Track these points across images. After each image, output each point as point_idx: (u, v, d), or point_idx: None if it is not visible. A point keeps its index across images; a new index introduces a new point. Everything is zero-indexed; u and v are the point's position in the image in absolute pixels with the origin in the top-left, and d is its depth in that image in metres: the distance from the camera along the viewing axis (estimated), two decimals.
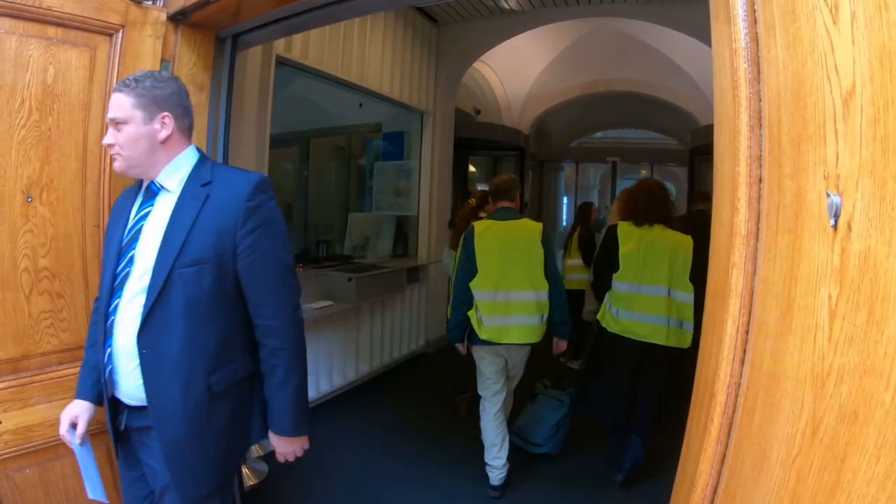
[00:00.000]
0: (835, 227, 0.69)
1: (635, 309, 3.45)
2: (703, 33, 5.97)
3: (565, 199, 12.70)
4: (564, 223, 12.28)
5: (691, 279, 3.39)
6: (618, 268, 3.54)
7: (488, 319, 3.39)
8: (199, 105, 2.60)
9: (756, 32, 1.05)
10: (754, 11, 1.04)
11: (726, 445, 1.17)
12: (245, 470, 3.45)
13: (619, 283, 3.54)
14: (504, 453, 3.59)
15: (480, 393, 3.72)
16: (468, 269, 3.47)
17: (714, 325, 1.28)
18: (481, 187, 7.99)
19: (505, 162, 9.96)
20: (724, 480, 1.14)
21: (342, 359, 5.27)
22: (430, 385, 5.88)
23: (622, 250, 3.53)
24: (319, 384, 4.95)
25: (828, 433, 0.68)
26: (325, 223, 6.48)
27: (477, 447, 4.00)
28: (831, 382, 0.69)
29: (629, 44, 8.19)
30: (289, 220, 5.89)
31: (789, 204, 0.87)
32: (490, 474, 3.60)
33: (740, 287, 1.12)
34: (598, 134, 12.83)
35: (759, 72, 1.05)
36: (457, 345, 3.66)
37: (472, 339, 3.52)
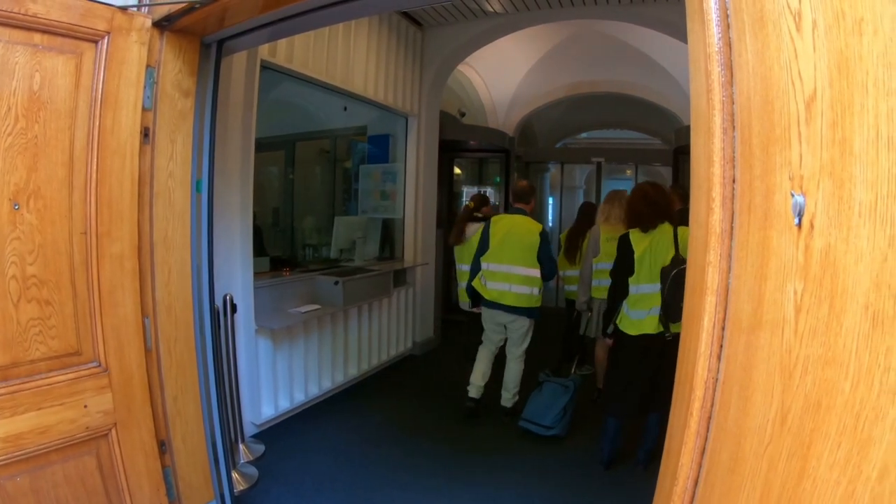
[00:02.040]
0: (799, 225, 0.73)
1: (652, 306, 3.64)
2: (684, 34, 6.02)
3: (551, 200, 12.77)
4: (551, 223, 12.34)
5: None
6: (633, 272, 3.71)
7: (491, 284, 4.74)
8: (184, 110, 2.62)
9: (729, 37, 1.08)
10: (727, 17, 1.08)
11: (706, 438, 1.20)
12: (235, 474, 3.45)
13: (637, 285, 3.71)
14: (480, 385, 4.97)
15: (482, 343, 5.07)
16: (482, 247, 4.82)
17: (692, 321, 1.31)
18: (481, 191, 8.29)
19: (490, 164, 9.97)
20: (704, 472, 1.17)
21: (330, 362, 5.28)
22: (419, 387, 5.89)
23: (637, 255, 3.71)
24: (308, 387, 4.96)
25: (795, 422, 0.71)
26: (312, 227, 6.47)
27: (466, 448, 4.22)
28: (797, 373, 0.72)
29: (613, 45, 8.24)
30: (275, 225, 5.91)
31: (759, 204, 0.90)
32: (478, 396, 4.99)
33: (716, 284, 1.16)
34: (583, 135, 12.92)
35: (731, 76, 1.09)
36: (473, 307, 5.11)
37: (481, 303, 4.90)
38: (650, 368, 3.73)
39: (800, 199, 0.72)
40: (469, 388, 5.01)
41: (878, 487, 0.55)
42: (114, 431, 2.33)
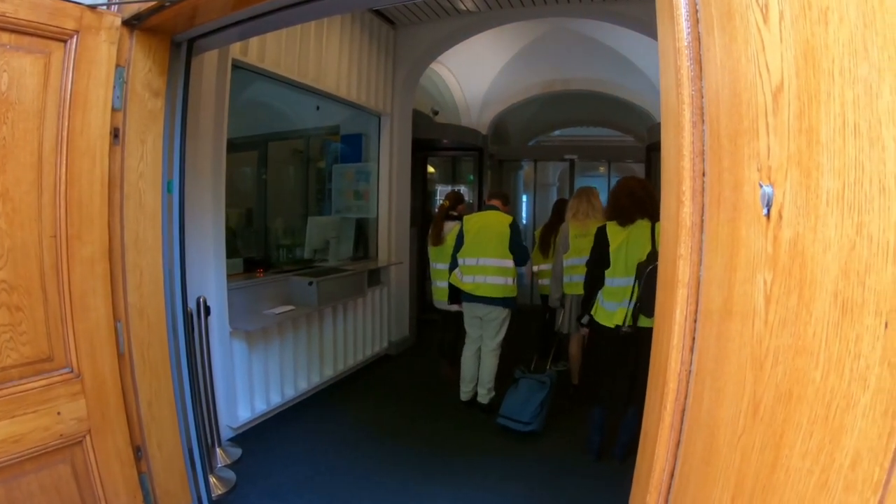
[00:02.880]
0: (767, 216, 0.73)
1: (624, 298, 3.72)
2: (655, 31, 6.08)
3: (524, 198, 12.80)
4: (525, 221, 12.37)
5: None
6: (609, 265, 3.78)
7: (467, 277, 4.91)
8: (154, 110, 2.57)
9: (698, 32, 1.09)
10: (696, 12, 1.08)
11: (680, 431, 1.21)
12: (212, 479, 3.41)
13: (612, 278, 3.78)
14: (470, 386, 5.17)
15: (467, 337, 5.21)
16: (458, 244, 5.01)
17: (664, 314, 1.32)
18: (454, 189, 8.42)
19: (463, 162, 9.96)
20: (680, 464, 1.18)
21: (306, 363, 5.24)
22: (395, 386, 5.88)
23: (612, 248, 3.78)
24: (284, 389, 4.91)
25: (767, 413, 0.72)
26: (285, 227, 6.41)
27: (444, 448, 4.23)
28: (768, 364, 0.72)
29: (585, 43, 8.28)
30: (248, 226, 5.84)
31: (728, 196, 0.90)
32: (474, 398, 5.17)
33: (687, 277, 1.17)
34: (556, 132, 12.97)
35: (700, 70, 1.09)
36: (453, 305, 5.32)
37: (461, 298, 5.06)
38: (627, 359, 3.81)
39: (768, 189, 0.72)
40: (461, 393, 5.24)
41: (851, 475, 0.55)
42: (88, 438, 2.28)
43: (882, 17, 0.51)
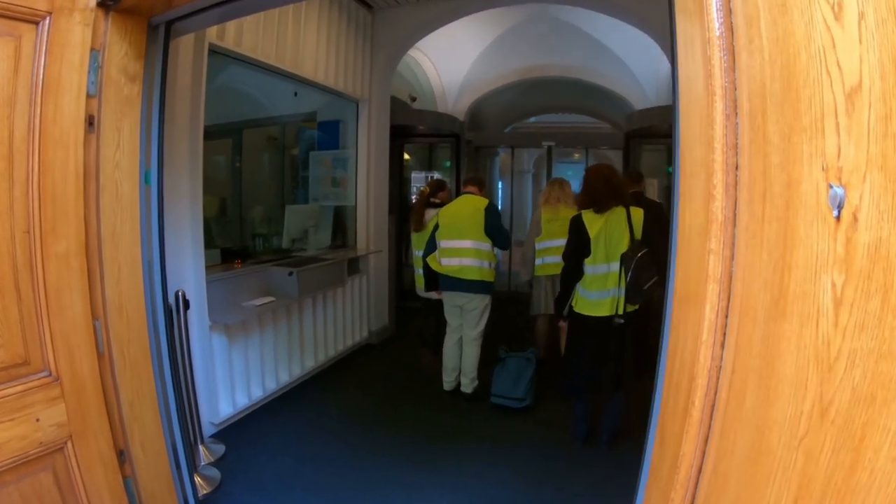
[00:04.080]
0: (838, 217, 0.72)
1: (610, 287, 3.76)
2: (637, 19, 6.13)
3: (500, 184, 12.80)
4: (501, 207, 12.38)
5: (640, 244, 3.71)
6: (588, 253, 3.79)
7: (445, 260, 4.95)
8: (131, 97, 2.45)
9: (731, 23, 1.07)
10: (730, 2, 1.07)
11: (709, 427, 1.21)
12: (197, 478, 3.36)
13: (593, 266, 3.79)
14: (453, 376, 5.19)
15: (447, 326, 5.24)
16: (436, 229, 5.03)
17: (688, 309, 1.31)
18: (431, 176, 8.68)
19: (440, 149, 9.92)
20: (711, 461, 1.17)
21: (287, 355, 5.20)
22: (377, 376, 5.87)
23: (591, 236, 3.78)
24: (266, 382, 4.87)
25: (840, 415, 0.71)
26: (262, 216, 6.32)
27: (429, 436, 4.27)
28: (840, 366, 0.71)
29: (564, 30, 8.30)
30: (225, 216, 5.74)
31: (779, 193, 0.89)
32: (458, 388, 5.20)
33: (719, 272, 1.16)
34: (533, 119, 12.97)
35: (734, 61, 1.08)
36: (431, 293, 5.37)
37: (440, 285, 5.09)
38: (611, 348, 3.89)
39: (839, 190, 0.71)
40: (444, 383, 5.27)
41: None
42: (69, 444, 2.17)
43: None
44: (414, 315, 7.39)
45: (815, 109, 0.76)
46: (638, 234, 3.72)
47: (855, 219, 0.69)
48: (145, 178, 2.64)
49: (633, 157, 8.35)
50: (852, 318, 0.70)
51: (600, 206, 3.79)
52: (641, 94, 8.89)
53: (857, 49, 0.67)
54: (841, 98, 0.70)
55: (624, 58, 8.50)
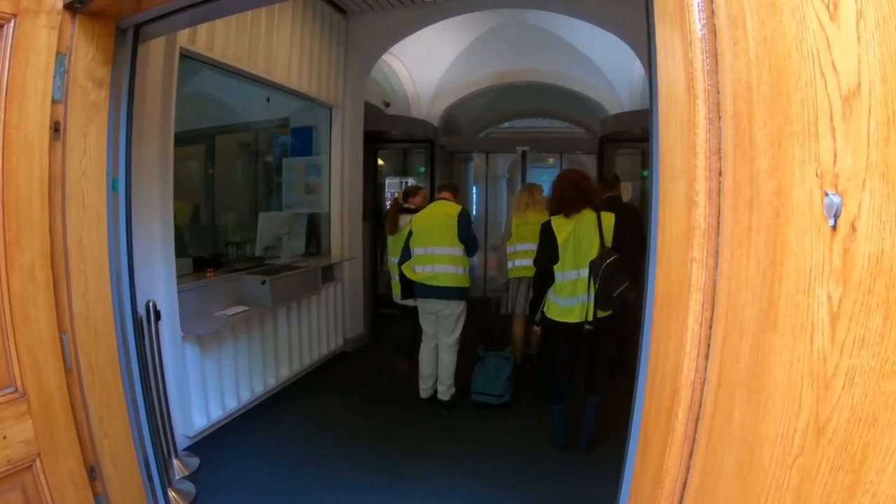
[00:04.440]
0: (834, 227, 0.68)
1: (579, 293, 3.75)
2: (611, 24, 6.15)
3: (474, 189, 12.80)
4: (475, 213, 12.38)
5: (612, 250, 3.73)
6: (558, 259, 3.79)
7: (419, 267, 4.92)
8: (98, 102, 2.39)
9: (714, 24, 1.04)
10: (712, 3, 1.04)
11: (693, 441, 1.17)
12: (171, 493, 3.27)
13: (562, 272, 3.79)
14: (429, 383, 5.15)
15: (423, 333, 5.22)
16: (410, 236, 5.00)
17: (671, 319, 1.28)
18: (405, 182, 8.89)
19: (415, 154, 9.88)
20: (697, 476, 1.14)
21: (261, 364, 5.11)
22: (353, 384, 5.81)
23: (560, 241, 3.78)
24: (240, 393, 4.78)
25: (839, 435, 0.67)
26: (235, 224, 6.23)
27: (407, 444, 4.24)
28: (838, 384, 0.68)
29: (539, 35, 8.33)
30: (196, 223, 5.64)
31: (767, 200, 0.86)
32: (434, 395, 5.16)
33: (702, 282, 1.13)
34: (507, 124, 13.00)
35: (717, 64, 1.05)
36: (408, 300, 5.28)
37: (415, 292, 5.05)
38: (584, 353, 3.88)
39: (836, 198, 0.67)
40: (420, 390, 5.24)
41: None
42: (38, 462, 2.09)
43: None
44: (389, 322, 7.36)
45: (808, 113, 0.72)
46: (608, 240, 3.72)
47: (853, 228, 0.65)
48: (113, 186, 2.56)
49: (607, 162, 8.40)
50: (851, 334, 0.66)
51: (568, 210, 3.81)
52: (615, 98, 8.96)
53: (856, 49, 0.64)
54: (837, 101, 0.67)
55: (598, 62, 8.55)
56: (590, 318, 3.69)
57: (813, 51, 0.71)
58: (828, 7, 0.68)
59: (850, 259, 0.66)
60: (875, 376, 0.62)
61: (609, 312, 3.76)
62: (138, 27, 2.61)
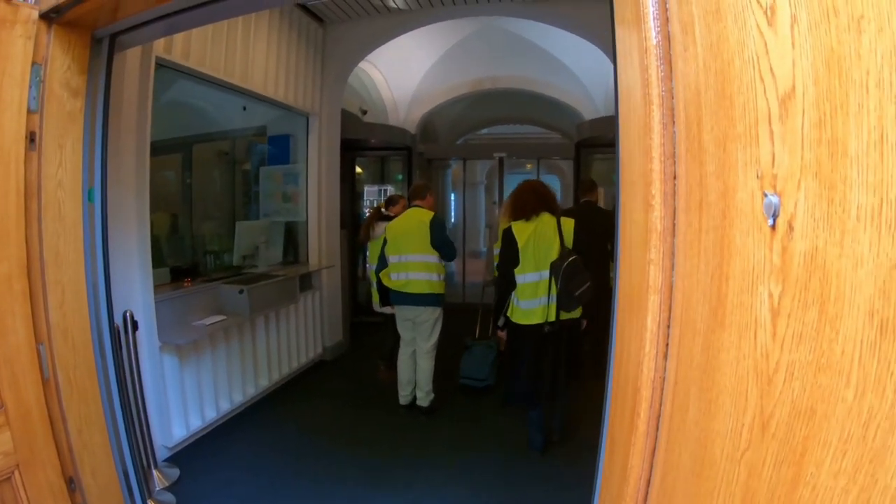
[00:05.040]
0: (773, 226, 0.70)
1: (540, 295, 3.83)
2: (587, 31, 6.21)
3: (452, 196, 12.84)
4: (453, 219, 12.41)
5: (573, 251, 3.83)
6: (518, 263, 3.85)
7: (394, 275, 4.95)
8: (73, 112, 2.39)
9: (668, 31, 1.06)
10: (666, 10, 1.06)
11: (655, 439, 1.19)
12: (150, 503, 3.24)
13: (522, 275, 3.86)
14: (408, 390, 5.17)
15: (401, 340, 5.24)
16: (387, 246, 5.02)
17: (632, 319, 1.30)
18: (383, 190, 9.04)
19: (392, 162, 9.90)
20: (659, 473, 1.16)
21: (240, 374, 5.07)
22: (333, 392, 5.77)
23: (520, 244, 3.86)
24: (219, 403, 4.74)
25: (781, 428, 0.69)
26: (212, 233, 6.18)
27: (387, 453, 4.23)
28: (779, 379, 0.70)
29: (515, 42, 8.38)
30: (174, 233, 5.59)
31: (714, 202, 0.88)
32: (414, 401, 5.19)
33: (659, 283, 1.15)
34: (485, 131, 13.06)
35: (671, 70, 1.07)
36: (385, 307, 5.35)
37: (391, 299, 5.09)
38: (550, 355, 3.98)
39: (774, 199, 0.69)
40: (400, 397, 5.25)
41: None
42: (17, 474, 2.08)
43: None
44: (368, 330, 7.37)
45: (750, 116, 0.75)
46: (568, 242, 3.83)
47: (790, 227, 0.67)
48: (88, 196, 2.55)
49: (583, 167, 8.47)
50: (790, 330, 0.68)
51: (528, 213, 3.91)
52: (591, 104, 9.03)
53: (790, 54, 0.66)
54: (774, 104, 0.69)
55: (573, 68, 8.62)
56: (551, 319, 3.76)
57: (753, 56, 0.73)
58: (766, 13, 0.70)
59: (788, 257, 0.68)
60: (812, 370, 0.64)
61: (575, 314, 3.86)
62: (114, 37, 2.61)
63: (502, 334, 4.24)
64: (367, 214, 6.53)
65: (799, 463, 0.66)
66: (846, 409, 0.59)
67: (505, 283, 4.02)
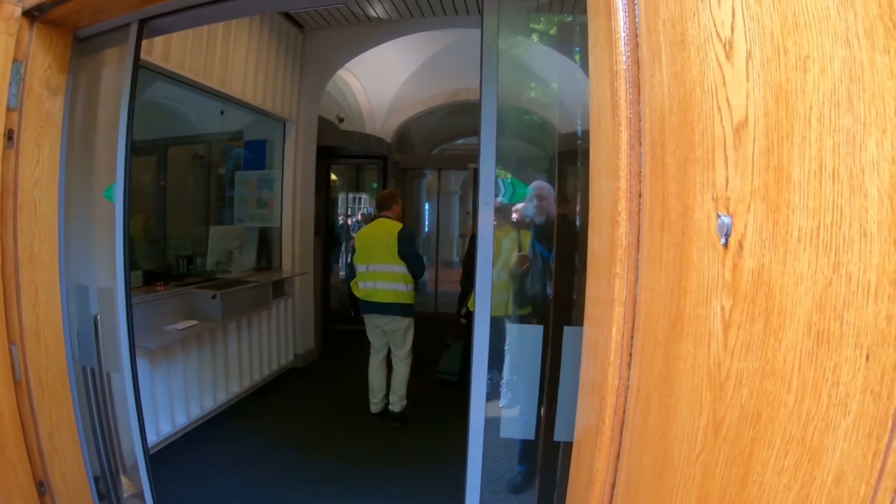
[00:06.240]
0: (725, 245, 0.76)
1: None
2: (563, 46, 6.29)
3: (427, 206, 12.88)
4: (427, 229, 12.45)
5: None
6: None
7: (362, 283, 5.01)
8: (52, 111, 2.39)
9: (638, 56, 1.13)
10: (636, 37, 1.12)
11: (619, 444, 1.25)
12: None
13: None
14: (379, 397, 5.21)
15: (371, 347, 5.25)
16: (355, 255, 5.09)
17: (599, 330, 1.36)
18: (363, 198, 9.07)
19: (367, 170, 9.93)
20: (623, 477, 1.21)
21: (212, 381, 5.06)
22: (304, 399, 5.77)
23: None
24: (190, 409, 4.72)
25: (731, 431, 0.75)
26: (185, 237, 6.16)
27: (358, 459, 4.26)
28: (730, 385, 0.75)
29: None
30: (147, 236, 5.56)
31: (675, 220, 0.94)
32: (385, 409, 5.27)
33: (623, 296, 1.20)
34: (460, 141, 13.12)
35: (639, 94, 1.13)
36: (354, 314, 5.36)
37: (360, 308, 5.09)
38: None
39: (727, 219, 0.75)
40: (371, 405, 5.28)
41: (836, 491, 0.58)
42: None
43: (871, 76, 0.54)
44: (340, 337, 7.35)
45: (707, 142, 0.81)
46: (525, 248, 3.91)
47: (741, 246, 0.73)
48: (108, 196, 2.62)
49: (559, 178, 8.54)
50: (739, 340, 0.74)
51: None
52: (566, 117, 9.10)
53: (745, 86, 0.72)
54: (730, 132, 0.75)
55: (549, 81, 8.73)
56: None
57: (712, 86, 0.79)
58: (725, 46, 0.76)
59: (738, 274, 0.74)
60: (759, 378, 0.70)
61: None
62: (95, 37, 2.61)
63: (463, 321, 4.54)
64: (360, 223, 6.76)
65: (747, 463, 0.71)
66: (787, 412, 0.64)
67: (470, 280, 4.13)
